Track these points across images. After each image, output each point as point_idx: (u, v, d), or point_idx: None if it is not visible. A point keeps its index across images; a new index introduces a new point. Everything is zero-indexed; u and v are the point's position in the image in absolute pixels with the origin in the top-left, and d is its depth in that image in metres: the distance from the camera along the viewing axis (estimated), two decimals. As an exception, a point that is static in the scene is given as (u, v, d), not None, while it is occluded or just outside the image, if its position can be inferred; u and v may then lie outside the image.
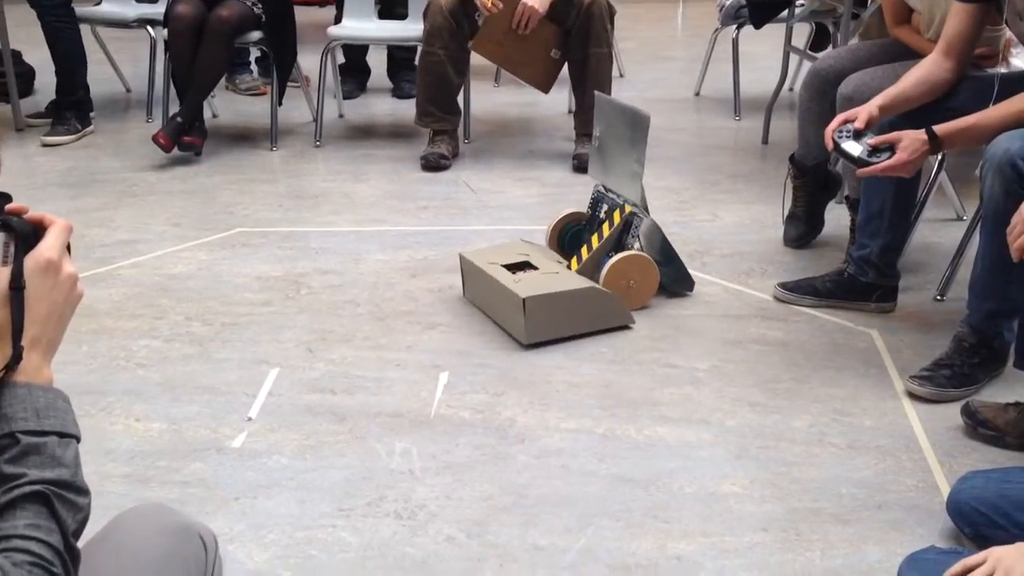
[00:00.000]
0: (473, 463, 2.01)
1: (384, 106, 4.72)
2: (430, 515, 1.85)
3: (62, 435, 0.91)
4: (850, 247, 2.75)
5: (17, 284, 0.92)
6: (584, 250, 2.67)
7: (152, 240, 3.14)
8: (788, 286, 2.68)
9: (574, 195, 3.44)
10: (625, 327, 2.54)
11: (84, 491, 0.90)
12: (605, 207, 2.75)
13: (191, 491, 1.92)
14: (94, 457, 2.02)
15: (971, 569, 1.42)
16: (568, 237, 2.82)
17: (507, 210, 3.38)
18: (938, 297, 2.70)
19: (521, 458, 2.02)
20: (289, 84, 4.19)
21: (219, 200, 3.48)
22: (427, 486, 1.93)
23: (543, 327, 2.44)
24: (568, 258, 2.74)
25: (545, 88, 3.88)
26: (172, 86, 3.97)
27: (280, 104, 4.08)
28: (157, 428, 2.13)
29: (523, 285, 2.45)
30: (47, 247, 0.95)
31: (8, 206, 0.96)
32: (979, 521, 1.68)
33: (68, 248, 0.99)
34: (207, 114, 4.15)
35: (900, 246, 2.61)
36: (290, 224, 3.27)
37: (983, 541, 1.63)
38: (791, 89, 4.56)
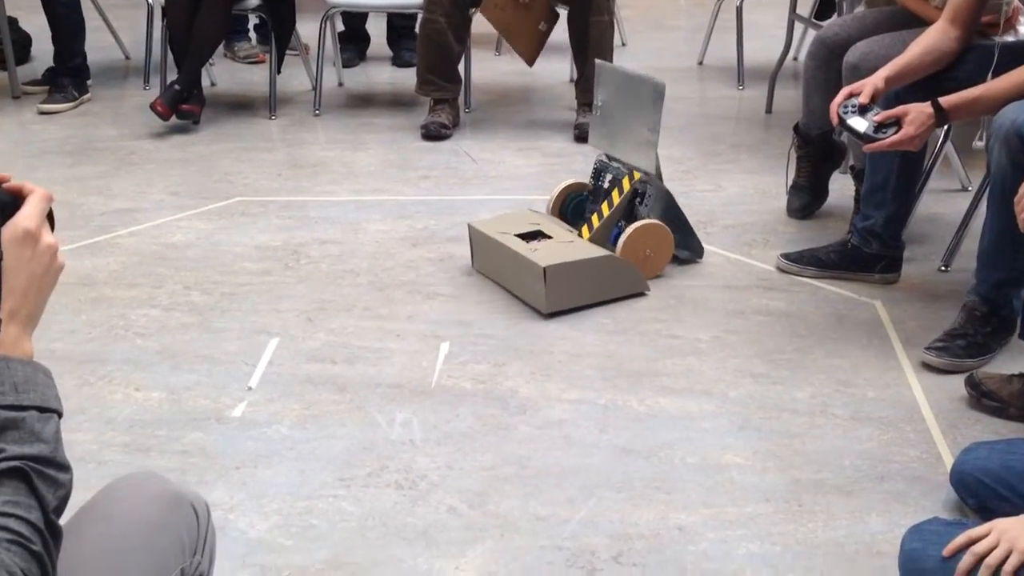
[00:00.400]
0: (474, 433, 2.00)
1: (384, 75, 4.68)
2: (431, 485, 1.84)
3: (42, 410, 0.89)
4: (854, 217, 2.73)
5: None
6: (595, 218, 2.66)
7: (150, 209, 3.11)
8: (791, 256, 2.66)
9: (575, 165, 3.42)
10: (629, 297, 2.52)
11: (65, 467, 0.89)
12: (609, 176, 2.73)
13: (191, 460, 1.92)
14: (94, 426, 2.01)
15: (975, 540, 1.42)
16: (571, 207, 2.80)
17: (508, 180, 3.35)
18: (942, 268, 2.69)
19: (523, 429, 2.01)
20: (288, 52, 4.15)
21: (218, 169, 3.45)
22: (428, 456, 1.93)
23: (563, 296, 2.43)
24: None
25: (531, 60, 3.86)
26: (170, 53, 3.94)
27: (279, 72, 4.04)
28: (157, 397, 2.12)
29: (541, 254, 2.44)
30: (25, 217, 0.92)
31: None
32: (983, 492, 1.68)
33: (52, 218, 0.97)
34: (205, 82, 4.11)
35: (905, 217, 2.59)
36: (289, 193, 3.24)
37: (987, 513, 1.63)
38: (795, 58, 4.52)
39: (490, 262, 2.63)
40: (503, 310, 2.48)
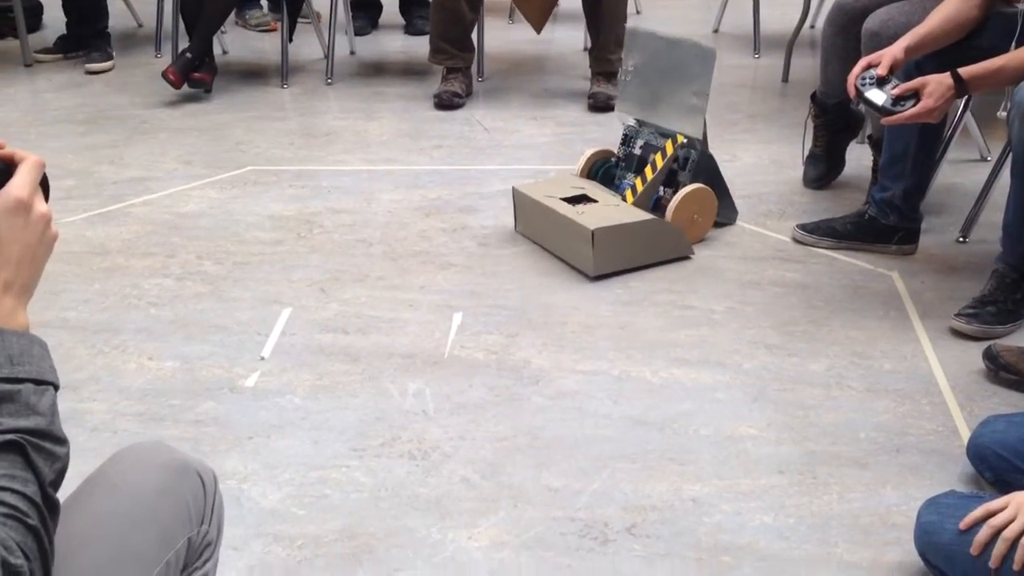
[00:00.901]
0: (487, 404, 1.99)
1: (396, 43, 4.64)
2: (444, 456, 1.84)
3: (38, 383, 0.88)
4: (871, 188, 2.70)
5: None
6: (639, 183, 2.67)
7: (163, 178, 3.11)
8: (807, 227, 2.64)
9: (589, 134, 3.39)
10: (652, 265, 2.51)
11: (62, 440, 0.88)
12: (640, 142, 2.74)
13: (205, 430, 1.92)
14: (108, 395, 2.02)
15: (993, 513, 1.41)
16: (599, 174, 2.81)
17: (522, 149, 3.33)
18: (961, 239, 2.66)
19: (536, 400, 2.01)
20: (299, 20, 4.12)
21: (230, 138, 3.44)
22: (441, 427, 1.92)
23: (610, 259, 2.46)
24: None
25: (539, 27, 3.84)
26: (181, 21, 3.92)
27: (291, 40, 4.02)
28: (170, 367, 2.12)
29: (588, 217, 2.48)
30: (16, 185, 0.91)
31: None
32: (1000, 466, 1.66)
33: (46, 186, 0.95)
34: (217, 50, 4.09)
35: (924, 188, 2.56)
36: (302, 162, 3.23)
37: (1004, 486, 1.62)
38: (812, 26, 4.46)
39: (534, 225, 2.65)
40: (516, 280, 2.47)
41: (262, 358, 2.15)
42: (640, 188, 2.65)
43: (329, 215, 2.84)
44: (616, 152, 2.80)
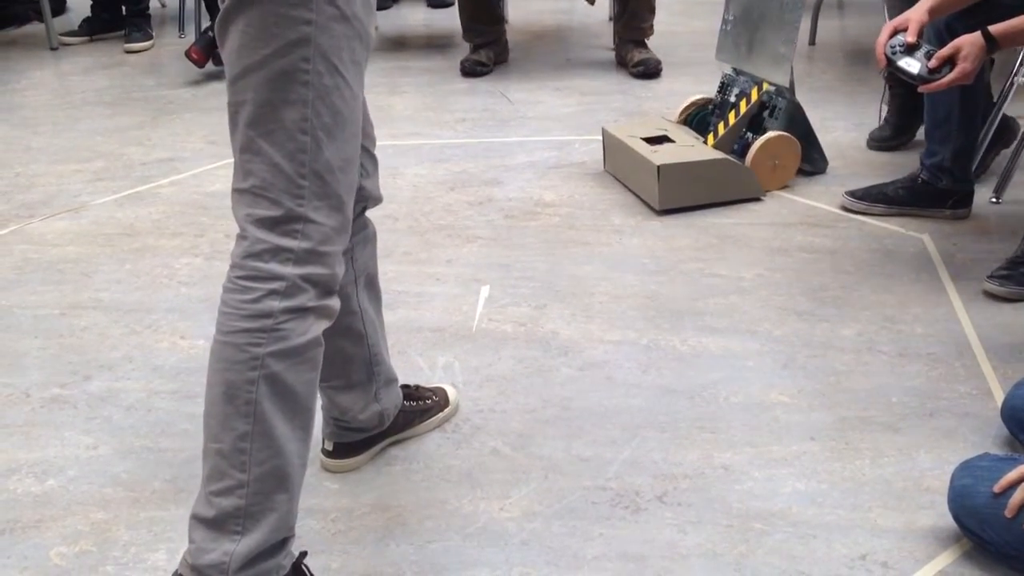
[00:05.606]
0: (516, 376, 2.00)
1: (418, 16, 4.62)
2: (474, 428, 1.85)
3: None
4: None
5: None
6: (720, 126, 2.75)
7: (190, 158, 3.12)
8: (857, 194, 2.59)
9: (614, 103, 3.37)
10: (669, 234, 2.50)
11: None
12: (736, 90, 2.81)
13: (237, 407, 1.93)
14: (142, 374, 2.04)
15: (1028, 476, 1.40)
16: (695, 122, 2.88)
17: (546, 120, 3.31)
18: (993, 199, 2.62)
19: (565, 370, 2.01)
20: (321, -5, 4.11)
21: (255, 116, 3.44)
22: (470, 399, 1.93)
23: (675, 195, 2.59)
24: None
25: None
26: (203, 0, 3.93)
27: (313, 16, 4.01)
28: (202, 345, 2.14)
29: (659, 155, 2.62)
30: None
31: None
32: (1035, 428, 1.65)
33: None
34: (240, 29, 4.10)
35: (972, 149, 2.50)
36: (327, 139, 3.23)
37: (1039, 448, 1.60)
38: (839, -13, 4.39)
39: (617, 163, 2.79)
40: (542, 252, 2.47)
41: (292, 334, 2.17)
42: (722, 131, 2.73)
43: (355, 191, 2.84)
44: (713, 100, 2.89)
